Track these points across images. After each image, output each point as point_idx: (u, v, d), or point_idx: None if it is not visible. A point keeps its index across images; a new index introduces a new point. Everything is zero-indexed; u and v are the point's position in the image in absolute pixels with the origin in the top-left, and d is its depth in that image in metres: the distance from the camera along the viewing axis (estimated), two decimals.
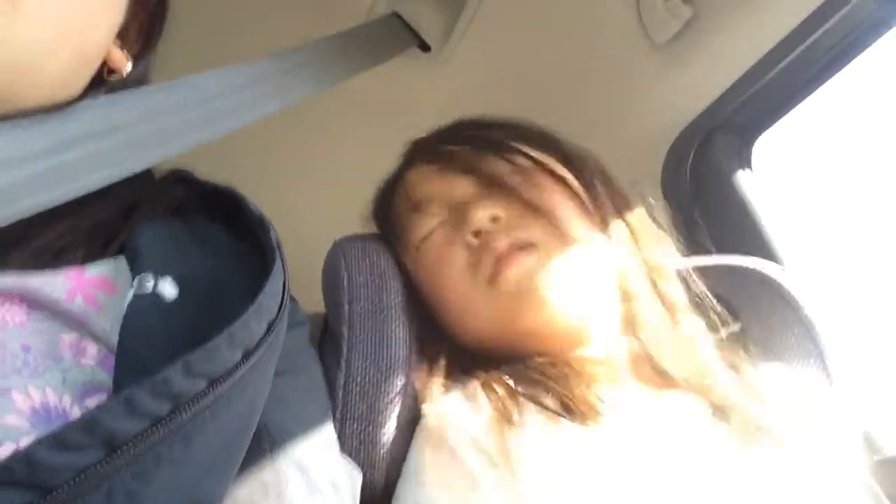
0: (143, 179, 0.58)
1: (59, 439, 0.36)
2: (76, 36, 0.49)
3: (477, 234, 0.74)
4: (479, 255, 0.73)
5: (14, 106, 0.48)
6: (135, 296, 0.47)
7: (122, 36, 0.57)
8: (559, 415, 0.64)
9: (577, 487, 0.60)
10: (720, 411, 0.69)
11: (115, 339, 0.46)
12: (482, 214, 0.74)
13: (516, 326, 0.72)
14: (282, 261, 0.51)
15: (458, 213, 0.77)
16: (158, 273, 0.48)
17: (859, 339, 0.90)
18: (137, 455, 0.38)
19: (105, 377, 0.45)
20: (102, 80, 0.57)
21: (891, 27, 0.94)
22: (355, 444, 0.68)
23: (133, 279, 0.48)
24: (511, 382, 0.69)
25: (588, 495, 0.59)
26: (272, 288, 0.48)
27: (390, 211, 0.86)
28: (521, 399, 0.67)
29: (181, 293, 0.48)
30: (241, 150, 0.89)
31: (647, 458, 0.62)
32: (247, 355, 0.44)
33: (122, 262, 0.51)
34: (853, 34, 0.96)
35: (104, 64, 0.56)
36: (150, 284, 0.48)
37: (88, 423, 0.37)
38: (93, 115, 0.54)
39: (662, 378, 0.73)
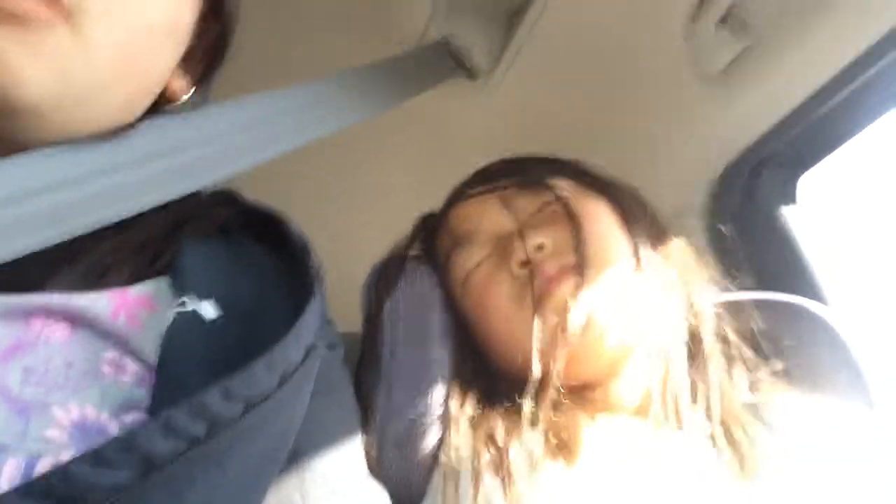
0: (190, 199, 0.59)
1: (98, 456, 0.36)
2: (139, 71, 0.51)
3: (523, 265, 0.75)
4: (526, 282, 0.74)
5: (70, 135, 0.50)
6: (177, 315, 0.48)
7: (185, 63, 0.59)
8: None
9: None
10: (742, 458, 0.68)
11: (153, 357, 0.47)
12: (528, 244, 0.75)
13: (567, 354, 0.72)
14: (321, 287, 0.52)
15: (503, 246, 0.78)
16: (202, 294, 0.49)
17: None
18: (171, 476, 0.38)
19: (142, 395, 0.46)
20: (160, 105, 0.58)
21: None
22: (394, 465, 0.68)
23: (175, 299, 0.49)
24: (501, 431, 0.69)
25: None
26: (312, 314, 0.49)
27: (434, 248, 0.87)
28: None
29: (222, 314, 0.49)
30: (288, 173, 0.90)
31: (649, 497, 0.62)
32: (284, 380, 0.45)
33: (164, 282, 0.52)
34: None
35: (163, 90, 0.58)
36: (192, 304, 0.49)
37: (127, 441, 0.37)
38: (146, 139, 0.55)
39: (686, 421, 0.72)
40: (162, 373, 0.46)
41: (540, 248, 0.75)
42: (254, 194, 0.64)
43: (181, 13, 0.53)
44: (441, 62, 1.07)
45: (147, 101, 0.55)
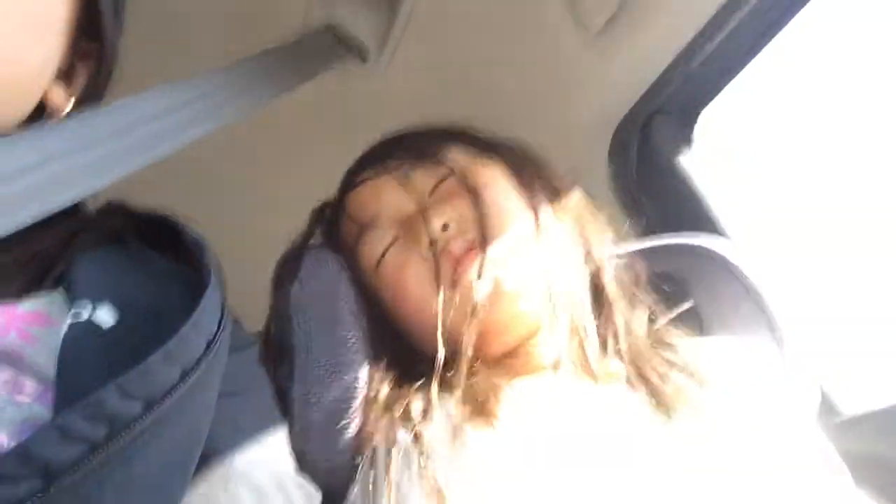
0: (78, 212, 0.57)
1: None
2: (2, 65, 0.49)
3: (430, 244, 0.75)
4: (436, 264, 0.74)
5: None
6: (70, 325, 0.46)
7: (68, 79, 0.58)
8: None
9: (501, 483, 0.61)
10: (657, 396, 0.70)
11: (51, 372, 0.45)
12: (432, 226, 0.75)
13: (481, 326, 0.72)
14: (219, 279, 0.51)
15: (409, 228, 0.78)
16: (95, 300, 0.48)
17: (811, 306, 0.92)
18: (77, 482, 0.37)
19: (43, 412, 0.44)
20: (41, 120, 0.56)
21: None
22: (316, 455, 0.67)
23: (69, 310, 0.48)
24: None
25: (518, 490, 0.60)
26: (208, 305, 0.47)
27: (338, 236, 0.87)
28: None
29: (119, 319, 0.48)
30: (180, 172, 0.88)
31: (581, 449, 0.63)
32: (185, 374, 0.43)
33: (57, 296, 0.51)
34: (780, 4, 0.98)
35: (45, 105, 0.56)
36: (86, 312, 0.47)
37: (21, 453, 0.36)
38: (21, 148, 0.53)
39: (598, 370, 0.74)
40: (60, 384, 0.44)
41: (444, 227, 0.76)
42: (151, 199, 0.63)
43: (47, 6, 0.52)
44: (328, 47, 1.06)
45: (20, 106, 0.54)
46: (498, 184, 0.79)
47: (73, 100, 0.59)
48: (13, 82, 0.52)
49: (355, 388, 0.70)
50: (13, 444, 0.41)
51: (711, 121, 1.17)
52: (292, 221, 0.85)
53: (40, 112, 0.57)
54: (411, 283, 0.76)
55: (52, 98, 0.57)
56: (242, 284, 0.65)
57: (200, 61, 0.79)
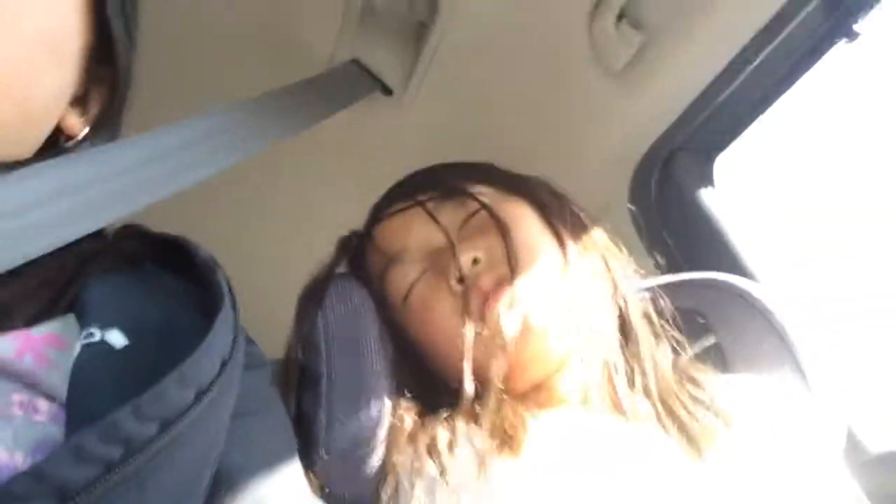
0: (93, 235, 0.57)
1: (7, 492, 0.35)
2: (17, 90, 0.50)
3: (460, 280, 0.75)
4: (466, 298, 0.74)
5: None
6: (82, 346, 0.47)
7: (83, 106, 0.58)
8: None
9: None
10: (686, 433, 0.70)
11: (65, 394, 0.45)
12: (462, 260, 0.75)
13: (509, 361, 0.72)
14: (232, 300, 0.51)
15: (438, 262, 0.78)
16: (104, 326, 0.48)
17: (837, 343, 0.91)
18: (91, 503, 0.37)
19: (58, 433, 0.45)
20: (58, 146, 0.57)
21: (838, 40, 0.97)
22: (342, 482, 0.67)
23: (81, 333, 0.48)
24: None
25: None
26: (222, 326, 0.47)
27: (364, 267, 0.87)
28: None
29: (131, 341, 0.48)
30: (200, 202, 0.89)
31: (608, 485, 0.63)
32: (200, 395, 0.43)
33: (71, 319, 0.51)
34: (802, 48, 0.99)
35: (62, 131, 0.57)
36: (98, 334, 0.47)
37: (36, 473, 0.36)
38: (43, 178, 0.54)
39: (627, 406, 0.74)
40: (72, 405, 0.44)
41: (475, 262, 0.76)
42: (171, 226, 0.64)
43: (61, 36, 0.52)
44: (354, 81, 1.08)
45: (36, 134, 0.54)
46: (526, 220, 0.80)
47: (87, 127, 0.60)
48: (27, 109, 0.52)
49: (380, 416, 0.70)
50: (29, 463, 0.42)
51: (734, 157, 1.17)
52: (311, 251, 0.85)
53: (56, 139, 0.58)
54: (439, 317, 0.76)
55: (68, 125, 0.58)
56: (264, 313, 0.65)
57: (228, 94, 0.80)
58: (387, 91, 1.15)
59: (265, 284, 0.81)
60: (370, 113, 1.17)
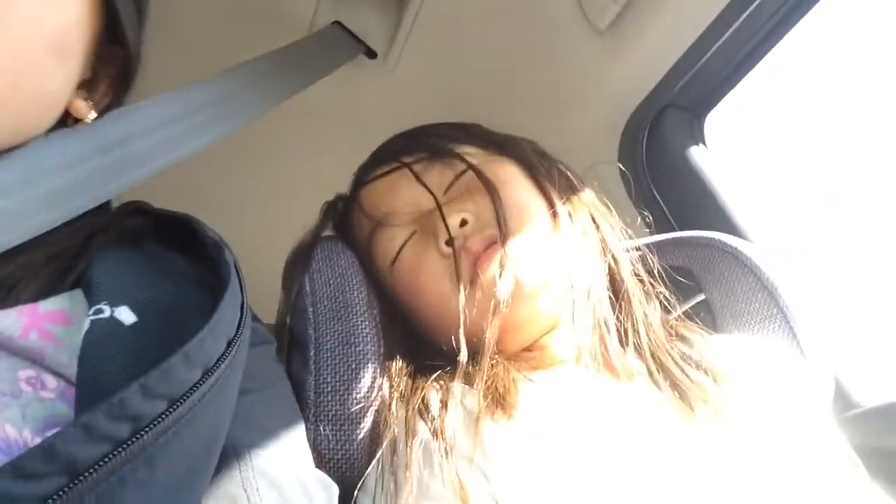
0: (99, 212, 0.57)
1: (18, 468, 0.35)
2: (28, 86, 0.50)
3: (449, 242, 0.75)
4: (456, 261, 0.74)
5: None
6: (91, 323, 0.47)
7: (89, 88, 0.58)
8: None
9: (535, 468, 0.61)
10: (679, 390, 0.70)
11: (74, 370, 0.45)
12: (451, 222, 0.75)
13: (502, 322, 0.72)
14: (239, 280, 0.51)
15: (426, 225, 0.78)
16: (113, 303, 0.48)
17: (824, 299, 0.91)
18: (100, 480, 0.37)
19: (66, 409, 0.45)
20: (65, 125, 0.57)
21: None
22: (332, 445, 0.67)
23: (89, 310, 0.48)
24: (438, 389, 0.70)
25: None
26: (228, 306, 0.48)
27: (351, 231, 0.86)
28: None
29: (139, 319, 0.48)
30: (193, 173, 0.88)
31: (601, 441, 0.63)
32: (206, 374, 0.44)
33: (78, 295, 0.51)
34: (791, 1, 0.98)
35: (68, 114, 0.56)
36: (106, 313, 0.47)
37: (46, 450, 0.36)
38: (39, 155, 0.54)
39: (619, 364, 0.74)
40: (82, 382, 0.44)
41: (463, 223, 0.75)
42: (164, 200, 0.64)
43: (68, 35, 0.52)
44: (338, 44, 1.06)
45: (45, 123, 0.54)
46: (515, 180, 0.79)
47: (95, 112, 0.59)
48: (43, 103, 0.52)
49: (370, 377, 0.70)
50: (37, 439, 0.42)
51: (724, 114, 1.17)
52: (302, 217, 0.85)
53: (63, 120, 0.57)
54: (428, 280, 0.76)
55: (75, 108, 0.57)
56: (251, 278, 0.65)
57: (209, 63, 0.79)
58: (371, 54, 1.13)
59: (253, 251, 0.80)
60: (355, 77, 1.16)
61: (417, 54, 1.15)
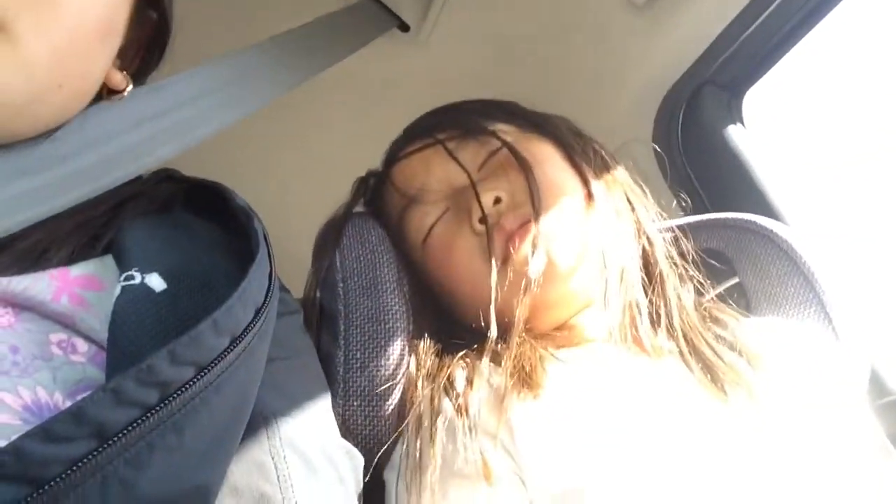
0: (130, 179, 0.58)
1: (48, 431, 0.36)
2: (76, 76, 0.51)
3: (482, 220, 0.75)
4: (489, 238, 0.74)
5: (11, 139, 0.50)
6: (122, 288, 0.47)
7: (121, 55, 0.58)
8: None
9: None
10: (711, 372, 0.69)
11: (104, 335, 0.46)
12: (484, 200, 0.75)
13: (533, 301, 0.72)
14: (268, 249, 0.52)
15: (459, 202, 0.78)
16: (144, 270, 0.49)
17: (862, 284, 0.89)
18: (129, 444, 0.38)
19: (97, 373, 0.46)
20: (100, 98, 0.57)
21: None
22: (360, 420, 0.68)
23: (120, 276, 0.49)
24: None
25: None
26: (257, 275, 0.48)
27: (382, 207, 0.86)
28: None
29: (169, 285, 0.48)
30: (225, 146, 0.88)
31: (629, 419, 0.63)
32: (235, 342, 0.44)
33: (108, 261, 0.52)
34: None
35: (104, 85, 0.57)
36: (137, 279, 0.48)
37: (76, 414, 0.37)
38: (78, 131, 0.54)
39: (649, 344, 0.73)
40: (113, 347, 0.45)
41: (497, 201, 0.75)
42: (196, 170, 0.64)
43: (115, 16, 0.52)
44: (371, 18, 1.05)
45: (85, 102, 0.55)
46: (549, 158, 0.79)
47: (130, 84, 0.59)
48: (87, 88, 0.53)
49: (398, 354, 0.70)
50: (68, 402, 0.43)
51: (763, 93, 1.14)
52: (333, 192, 0.85)
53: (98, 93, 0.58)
54: (460, 258, 0.76)
55: (112, 80, 0.57)
56: (280, 251, 0.65)
57: (242, 36, 0.79)
58: (404, 28, 1.12)
59: (284, 225, 0.80)
60: (387, 51, 1.15)
61: (450, 28, 1.14)
